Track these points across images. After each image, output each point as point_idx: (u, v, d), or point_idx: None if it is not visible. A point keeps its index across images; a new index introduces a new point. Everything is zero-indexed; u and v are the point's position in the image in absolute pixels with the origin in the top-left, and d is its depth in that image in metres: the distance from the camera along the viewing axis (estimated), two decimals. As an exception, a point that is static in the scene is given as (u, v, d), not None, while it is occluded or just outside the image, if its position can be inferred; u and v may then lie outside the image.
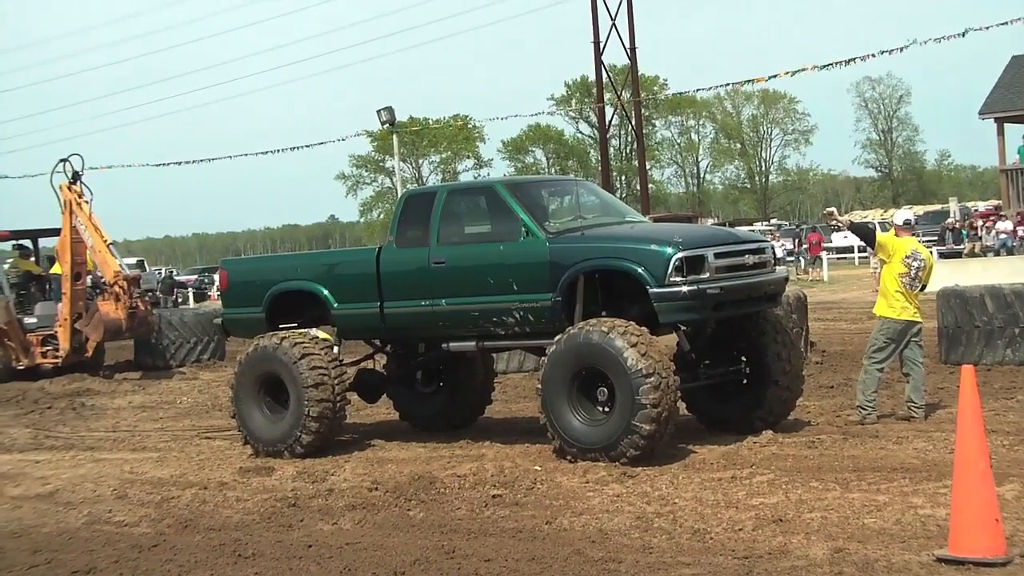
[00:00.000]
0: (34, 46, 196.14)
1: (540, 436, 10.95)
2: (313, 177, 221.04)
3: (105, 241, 20.53)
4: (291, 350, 11.82)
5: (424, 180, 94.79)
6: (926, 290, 12.16)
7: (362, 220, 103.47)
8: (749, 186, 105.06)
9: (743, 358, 11.56)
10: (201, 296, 53.37)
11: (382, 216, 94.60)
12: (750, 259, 11.03)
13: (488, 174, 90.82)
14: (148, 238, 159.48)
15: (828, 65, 32.93)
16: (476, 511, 9.04)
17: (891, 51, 31.58)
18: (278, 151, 59.15)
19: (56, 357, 21.17)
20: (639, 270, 10.39)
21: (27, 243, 23.77)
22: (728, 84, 37.15)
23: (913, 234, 12.34)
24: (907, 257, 11.72)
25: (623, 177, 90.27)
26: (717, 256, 10.61)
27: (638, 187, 57.86)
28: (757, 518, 8.12)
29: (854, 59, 33.24)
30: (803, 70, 34.66)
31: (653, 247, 10.48)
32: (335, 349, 12.25)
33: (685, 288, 10.25)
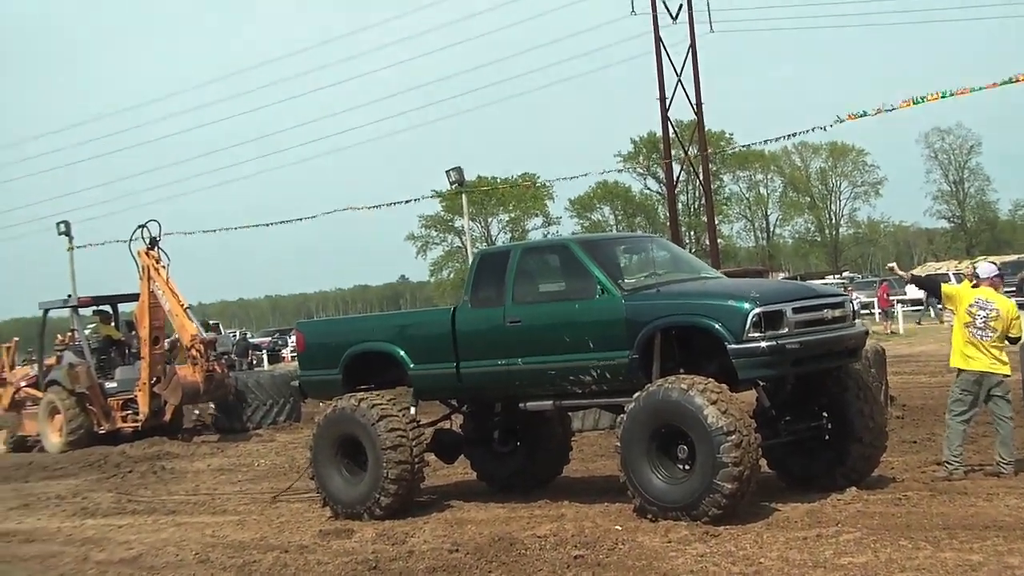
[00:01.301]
0: (108, 116, 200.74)
1: (619, 495, 10.86)
2: (383, 238, 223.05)
3: (182, 305, 20.82)
4: (369, 411, 11.85)
5: (493, 239, 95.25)
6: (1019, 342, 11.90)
7: (432, 280, 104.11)
8: (819, 239, 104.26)
9: (824, 414, 11.39)
10: (275, 358, 53.84)
11: (452, 276, 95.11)
12: (829, 313, 10.90)
13: (557, 232, 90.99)
14: (222, 301, 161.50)
15: (891, 109, 32.65)
16: (558, 572, 8.95)
17: (960, 92, 31.27)
18: (347, 210, 59.33)
19: (136, 421, 21.45)
20: (717, 326, 10.31)
21: (107, 308, 24.18)
22: (795, 134, 37.00)
23: (990, 285, 12.01)
24: (971, 306, 11.54)
25: (692, 232, 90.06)
26: (795, 311, 10.48)
27: (707, 242, 57.65)
28: (846, 578, 7.95)
29: (921, 99, 32.87)
30: (866, 115, 34.36)
31: (730, 303, 10.40)
32: (412, 410, 12.26)
33: (764, 344, 10.15)
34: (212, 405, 22.38)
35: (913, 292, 52.12)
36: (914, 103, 32.48)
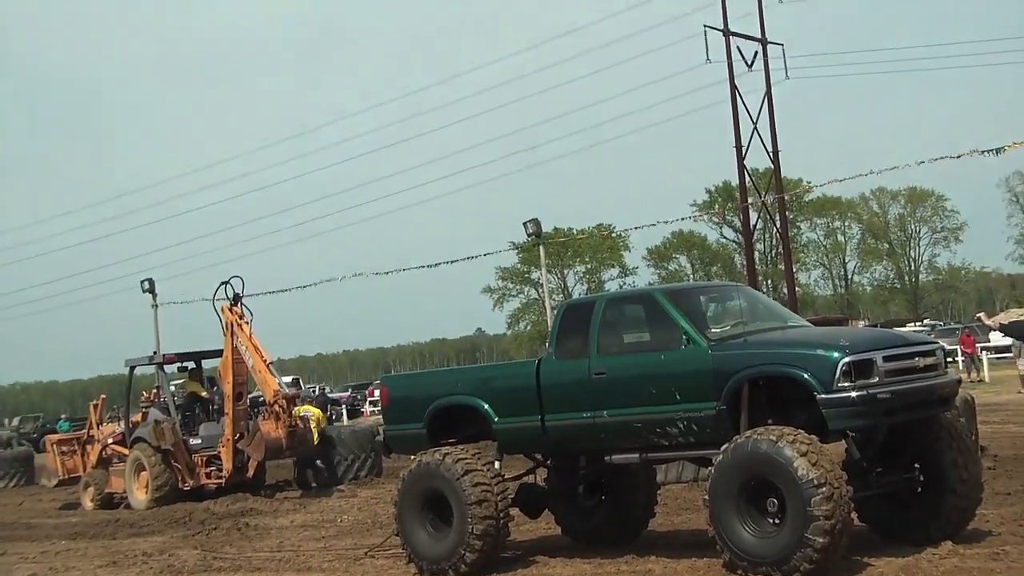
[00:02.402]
0: (188, 175, 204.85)
1: (707, 550, 10.69)
2: (459, 291, 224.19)
3: (265, 361, 20.98)
4: (453, 466, 11.79)
5: (570, 290, 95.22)
6: None
7: (509, 332, 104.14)
8: (899, 286, 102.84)
9: (916, 465, 11.12)
10: (355, 413, 54.00)
11: (528, 328, 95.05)
12: (920, 361, 10.70)
13: (633, 283, 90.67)
14: (300, 356, 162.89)
15: (978, 152, 32.10)
16: (649, 629, 8.81)
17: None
18: (424, 267, 59.63)
19: (220, 477, 21.59)
20: (805, 376, 10.17)
21: (193, 365, 24.44)
22: (870, 172, 36.52)
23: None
24: None
25: (769, 281, 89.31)
26: (886, 359, 10.32)
27: (785, 291, 57.11)
28: (948, 635, 7.72)
29: (1002, 148, 32.31)
30: (943, 158, 33.85)
31: (819, 352, 10.26)
32: (496, 464, 12.18)
33: (854, 393, 9.99)
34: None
35: (998, 339, 51.31)
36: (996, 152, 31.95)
